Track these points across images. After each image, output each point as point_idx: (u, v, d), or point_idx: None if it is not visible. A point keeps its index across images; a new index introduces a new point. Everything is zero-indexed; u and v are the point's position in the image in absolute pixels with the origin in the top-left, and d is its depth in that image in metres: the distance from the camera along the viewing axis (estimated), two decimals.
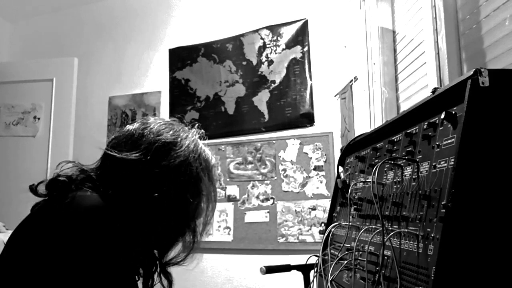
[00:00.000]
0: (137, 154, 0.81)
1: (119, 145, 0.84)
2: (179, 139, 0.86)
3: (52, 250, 0.65)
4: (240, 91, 2.77)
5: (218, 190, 2.71)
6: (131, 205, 0.77)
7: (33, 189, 0.80)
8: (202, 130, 0.96)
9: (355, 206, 1.04)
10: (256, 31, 2.77)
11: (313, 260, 1.26)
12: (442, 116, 0.68)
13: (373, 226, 0.91)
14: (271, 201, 2.56)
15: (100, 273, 0.66)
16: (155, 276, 0.89)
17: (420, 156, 0.77)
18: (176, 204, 0.82)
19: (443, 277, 0.58)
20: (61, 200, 0.72)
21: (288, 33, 2.69)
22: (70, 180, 0.78)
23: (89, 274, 0.65)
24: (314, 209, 2.44)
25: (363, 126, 1.97)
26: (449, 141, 0.68)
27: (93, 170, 0.83)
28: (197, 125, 0.96)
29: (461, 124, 0.63)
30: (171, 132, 0.87)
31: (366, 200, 1.00)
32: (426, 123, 0.77)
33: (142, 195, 0.79)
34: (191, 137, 0.89)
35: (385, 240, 0.77)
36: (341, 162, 1.33)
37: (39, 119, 2.92)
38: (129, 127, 0.88)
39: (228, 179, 2.69)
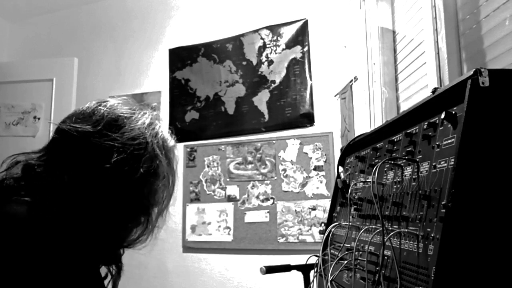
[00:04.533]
0: (86, 126, 0.77)
1: (70, 120, 0.80)
2: (134, 115, 0.82)
3: None
4: (240, 91, 2.76)
5: (218, 190, 2.71)
6: (79, 184, 0.72)
7: None
8: (157, 113, 0.91)
9: (355, 206, 1.04)
10: (256, 31, 2.77)
11: (313, 260, 1.26)
12: (442, 116, 0.68)
13: (373, 226, 0.91)
14: (271, 201, 2.56)
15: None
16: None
17: (420, 156, 0.77)
18: (128, 179, 0.76)
19: (443, 277, 0.58)
20: None
21: (288, 33, 2.69)
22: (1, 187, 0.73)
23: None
24: (314, 209, 2.44)
25: (363, 126, 1.97)
26: (449, 141, 0.68)
27: (38, 159, 0.77)
28: (154, 110, 0.91)
29: (461, 124, 0.63)
30: (126, 108, 0.83)
31: (366, 200, 1.00)
32: (426, 123, 0.77)
33: (92, 169, 0.74)
34: (148, 115, 0.86)
35: (385, 240, 0.77)
36: (341, 162, 1.33)
37: (39, 119, 2.92)
38: (85, 105, 0.84)
39: (228, 179, 2.69)
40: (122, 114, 0.81)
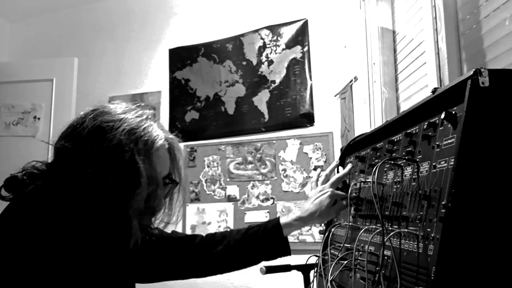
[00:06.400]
0: (67, 143, 0.81)
1: (62, 136, 0.86)
2: (116, 123, 0.82)
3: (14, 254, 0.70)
4: (240, 91, 2.76)
5: (218, 190, 2.70)
6: (71, 194, 0.78)
7: None
8: (153, 111, 0.92)
9: (355, 206, 1.04)
10: (256, 31, 2.77)
11: (313, 260, 1.27)
12: (442, 116, 0.68)
13: (373, 226, 0.91)
14: (271, 201, 2.56)
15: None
16: None
17: (420, 156, 0.77)
18: (109, 187, 0.78)
19: (443, 277, 0.58)
20: (18, 202, 0.77)
21: (288, 33, 2.69)
22: (26, 178, 0.82)
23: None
24: None
25: (363, 126, 1.97)
26: (449, 141, 0.68)
27: (47, 165, 0.85)
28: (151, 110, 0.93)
29: (461, 124, 0.63)
30: (108, 117, 0.84)
31: (366, 200, 1.00)
32: (426, 123, 0.77)
33: (76, 182, 0.78)
34: (133, 119, 0.85)
35: (385, 240, 0.77)
36: (341, 162, 1.33)
37: (39, 119, 2.92)
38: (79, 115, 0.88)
39: (228, 179, 2.69)
40: (102, 125, 0.82)
